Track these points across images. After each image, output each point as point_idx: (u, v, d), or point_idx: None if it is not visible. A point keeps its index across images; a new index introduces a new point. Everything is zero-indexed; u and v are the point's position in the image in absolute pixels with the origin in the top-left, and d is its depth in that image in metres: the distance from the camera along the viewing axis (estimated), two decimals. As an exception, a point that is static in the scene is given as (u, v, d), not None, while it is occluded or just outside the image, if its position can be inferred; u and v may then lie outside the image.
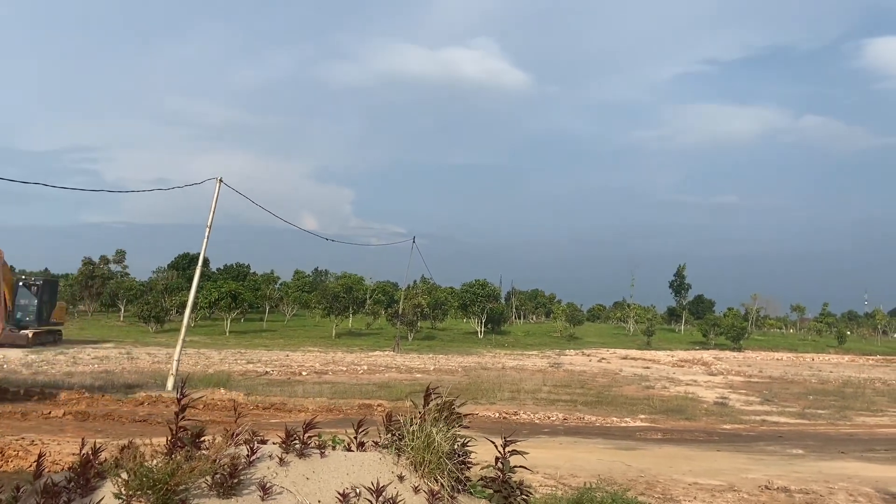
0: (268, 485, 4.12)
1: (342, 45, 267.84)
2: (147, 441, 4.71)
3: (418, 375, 26.41)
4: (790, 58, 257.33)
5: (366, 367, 28.79)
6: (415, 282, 79.97)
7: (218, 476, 4.00)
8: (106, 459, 4.17)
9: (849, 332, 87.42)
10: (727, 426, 17.07)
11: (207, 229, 20.40)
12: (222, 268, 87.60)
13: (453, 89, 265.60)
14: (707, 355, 50.62)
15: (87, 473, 4.04)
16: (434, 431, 4.84)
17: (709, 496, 8.83)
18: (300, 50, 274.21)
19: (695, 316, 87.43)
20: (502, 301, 79.60)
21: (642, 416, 17.90)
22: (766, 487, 9.49)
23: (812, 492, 9.31)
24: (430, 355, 38.50)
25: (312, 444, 4.86)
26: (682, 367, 38.78)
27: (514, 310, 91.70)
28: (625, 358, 43.68)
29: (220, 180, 20.47)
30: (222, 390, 18.07)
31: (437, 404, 5.15)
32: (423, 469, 4.83)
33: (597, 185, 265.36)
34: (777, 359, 52.87)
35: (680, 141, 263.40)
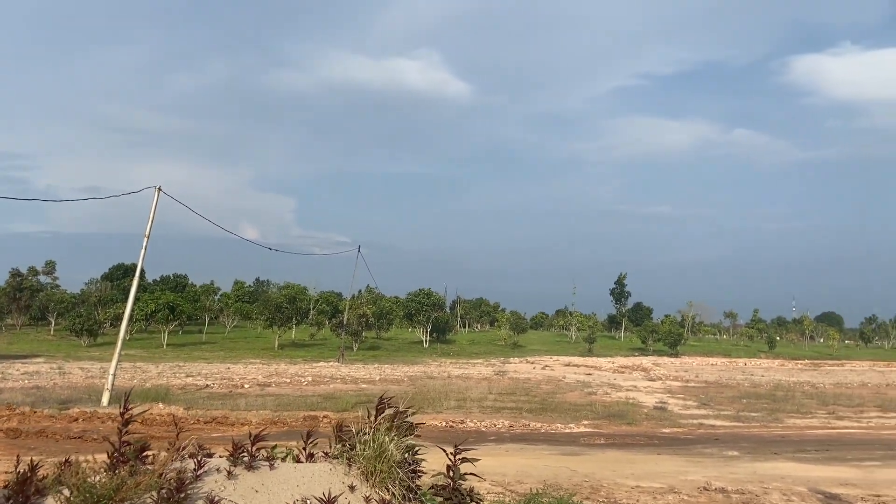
0: (216, 498, 4.04)
1: (284, 52, 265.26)
2: (87, 457, 4.56)
3: (364, 386, 26.22)
4: (721, 73, 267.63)
5: (310, 379, 28.42)
6: (359, 291, 79.39)
7: (164, 491, 3.91)
8: (45, 476, 4.03)
9: (778, 338, 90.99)
10: (667, 430, 17.51)
11: (145, 239, 19.84)
12: (159, 279, 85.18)
13: (397, 99, 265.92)
14: (646, 361, 51.86)
15: (26, 491, 3.89)
16: (387, 440, 4.85)
17: (651, 498, 9.05)
18: (241, 57, 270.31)
19: (634, 323, 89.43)
20: (447, 310, 79.79)
21: (586, 422, 18.20)
22: (705, 489, 9.78)
23: (748, 492, 9.64)
24: (376, 365, 38.27)
25: (261, 457, 4.80)
26: (623, 373, 39.60)
27: (459, 319, 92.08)
28: (568, 365, 44.34)
29: (159, 189, 19.97)
30: (161, 405, 17.56)
31: (390, 414, 5.16)
32: (375, 479, 4.83)
33: (539, 195, 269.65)
34: (712, 364, 54.51)
35: (618, 153, 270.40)
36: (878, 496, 9.51)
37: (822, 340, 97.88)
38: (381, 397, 5.34)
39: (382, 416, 5.19)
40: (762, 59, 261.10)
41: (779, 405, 23.69)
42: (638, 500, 8.90)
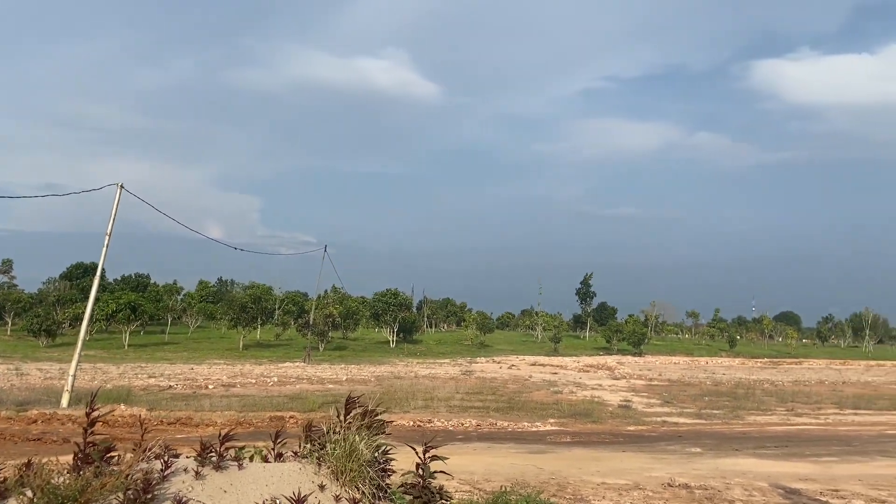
0: (184, 499, 3.99)
1: (250, 50, 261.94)
2: (49, 459, 4.46)
3: (330, 386, 26.06)
4: (684, 77, 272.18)
5: (276, 379, 28.15)
6: (326, 291, 78.88)
7: (131, 492, 3.85)
8: (6, 479, 3.93)
9: (739, 337, 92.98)
10: (631, 428, 17.75)
11: (107, 237, 19.44)
12: (120, 278, 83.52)
13: (364, 98, 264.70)
14: (611, 360, 52.50)
15: (-14, 494, 3.80)
16: (357, 439, 4.84)
17: (616, 495, 9.17)
18: (206, 54, 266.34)
19: (599, 323, 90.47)
20: (414, 310, 79.73)
21: (552, 421, 18.35)
22: (669, 485, 9.94)
23: (710, 487, 9.83)
24: (342, 365, 38.06)
25: (229, 457, 4.75)
26: (588, 372, 40.03)
27: (425, 319, 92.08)
28: (534, 364, 44.65)
29: (121, 186, 19.59)
30: (123, 406, 17.23)
31: (360, 413, 5.16)
32: (345, 478, 4.82)
33: (506, 196, 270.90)
34: (675, 362, 55.41)
35: (584, 154, 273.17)
36: (836, 490, 9.78)
37: (780, 339, 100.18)
38: (349, 396, 5.32)
39: (352, 415, 5.18)
40: (724, 64, 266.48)
41: (740, 403, 24.19)
42: (604, 497, 9.01)
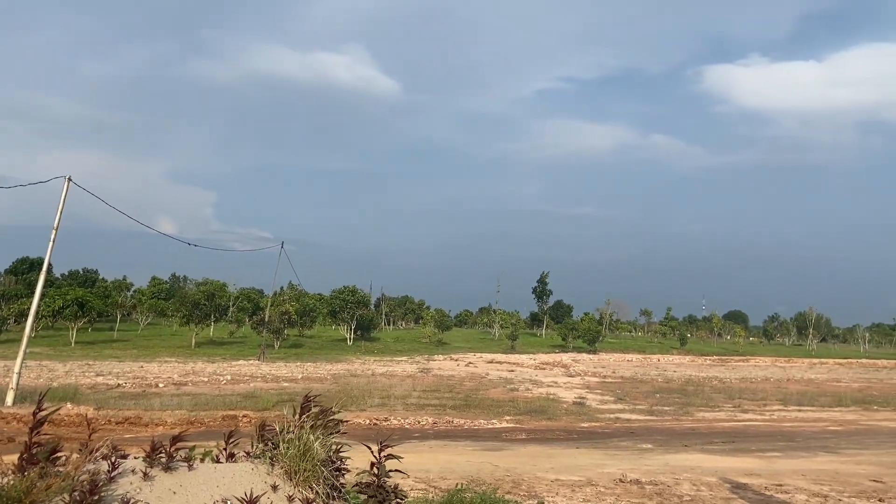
0: (131, 500, 3.91)
1: (207, 42, 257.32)
2: (-9, 461, 4.31)
3: (286, 384, 25.78)
4: (640, 79, 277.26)
5: (229, 377, 27.72)
6: (282, 288, 78.02)
7: (77, 493, 3.75)
8: (-56, 482, 3.78)
9: (689, 335, 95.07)
10: (585, 424, 18.00)
11: (53, 231, 18.85)
12: (67, 273, 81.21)
13: (324, 94, 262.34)
14: (566, 358, 53.15)
15: (-78, 498, 3.65)
16: (312, 439, 4.80)
17: (570, 491, 9.29)
18: (161, 45, 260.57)
19: (555, 321, 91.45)
20: (372, 308, 79.35)
21: (508, 418, 18.49)
22: (621, 480, 10.12)
23: (660, 483, 10.03)
24: (298, 363, 37.68)
25: (179, 457, 4.66)
26: (544, 369, 40.44)
27: (383, 316, 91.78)
28: (491, 362, 44.91)
29: (69, 179, 19.03)
30: (69, 405, 16.74)
31: (315, 412, 5.11)
32: (298, 478, 4.77)
33: (465, 194, 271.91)
34: (628, 360, 56.39)
35: (543, 154, 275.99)
36: (780, 485, 10.08)
37: (729, 338, 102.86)
38: (306, 395, 5.28)
39: (308, 414, 5.14)
40: (678, 68, 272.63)
41: (689, 399, 24.74)
42: (557, 493, 9.12)
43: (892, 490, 9.79)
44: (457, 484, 8.83)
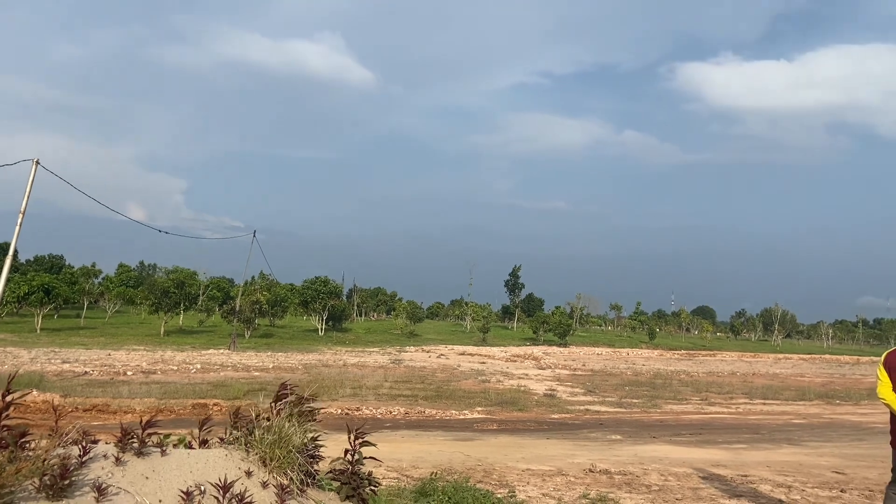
0: (103, 485, 3.88)
1: (178, 27, 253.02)
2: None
3: (256, 374, 25.60)
4: (614, 76, 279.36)
5: (199, 366, 27.44)
6: (253, 278, 77.36)
7: (47, 477, 3.71)
8: None
9: (658, 329, 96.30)
10: (555, 416, 18.17)
11: (20, 216, 18.43)
12: (33, 259, 79.60)
13: (298, 82, 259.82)
14: (537, 350, 53.54)
15: None
16: (287, 426, 4.80)
17: (540, 480, 9.39)
18: (130, 29, 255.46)
19: (526, 314, 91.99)
20: (344, 298, 79.07)
21: (479, 409, 18.59)
22: (590, 470, 10.24)
23: (629, 473, 10.18)
24: (269, 353, 37.43)
25: (152, 443, 4.63)
26: (515, 361, 40.71)
27: (355, 307, 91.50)
28: (462, 354, 45.08)
29: (37, 162, 18.61)
30: (35, 392, 16.43)
31: (291, 400, 5.11)
32: (273, 464, 4.77)
33: (439, 186, 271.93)
34: (598, 353, 56.99)
35: (517, 148, 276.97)
36: (746, 476, 10.29)
37: (696, 332, 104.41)
38: (283, 383, 5.27)
39: (283, 402, 5.13)
40: (652, 65, 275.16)
41: (658, 392, 25.10)
42: (528, 483, 9.20)
43: (853, 481, 10.05)
44: (429, 473, 8.87)
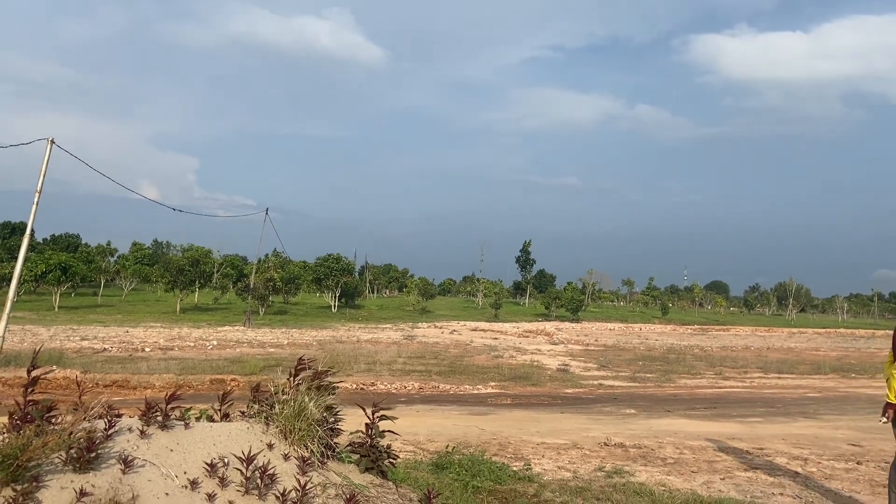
0: (129, 458, 3.94)
1: (187, 3, 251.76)
2: (-15, 419, 4.32)
3: (272, 350, 25.85)
4: (627, 49, 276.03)
5: (215, 343, 27.73)
6: (266, 255, 77.79)
7: (73, 451, 3.78)
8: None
9: (671, 305, 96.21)
10: (569, 390, 18.25)
11: (36, 195, 18.58)
12: (49, 238, 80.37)
13: (308, 59, 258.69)
14: (549, 326, 53.65)
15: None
16: (307, 400, 4.85)
17: (555, 454, 9.46)
18: (140, 6, 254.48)
19: (538, 290, 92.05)
20: (356, 275, 79.40)
21: (493, 384, 18.70)
22: (605, 444, 10.30)
23: (644, 446, 10.23)
24: (283, 330, 37.74)
25: (174, 417, 4.70)
26: (528, 337, 40.83)
27: (368, 284, 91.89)
28: (475, 330, 45.24)
29: (52, 141, 18.71)
30: (55, 368, 16.71)
31: (309, 374, 5.16)
32: (293, 437, 4.83)
33: (450, 163, 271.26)
34: (610, 329, 57.01)
35: (528, 123, 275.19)
36: (762, 449, 10.32)
37: (710, 307, 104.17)
38: (300, 358, 5.32)
39: (301, 376, 5.18)
40: (665, 37, 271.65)
41: (671, 367, 25.13)
42: (543, 456, 9.28)
43: (868, 453, 10.06)
44: (446, 446, 8.97)
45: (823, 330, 69.85)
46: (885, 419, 6.50)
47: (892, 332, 6.61)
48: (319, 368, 5.30)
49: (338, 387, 5.57)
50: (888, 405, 6.41)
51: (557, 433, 11.18)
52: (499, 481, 7.46)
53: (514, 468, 8.20)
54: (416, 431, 10.48)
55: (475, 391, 17.46)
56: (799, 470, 8.92)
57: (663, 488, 7.61)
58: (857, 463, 9.45)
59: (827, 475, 8.69)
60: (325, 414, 5.05)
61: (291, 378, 5.17)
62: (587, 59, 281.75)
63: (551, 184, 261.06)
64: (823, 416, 14.42)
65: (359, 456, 5.35)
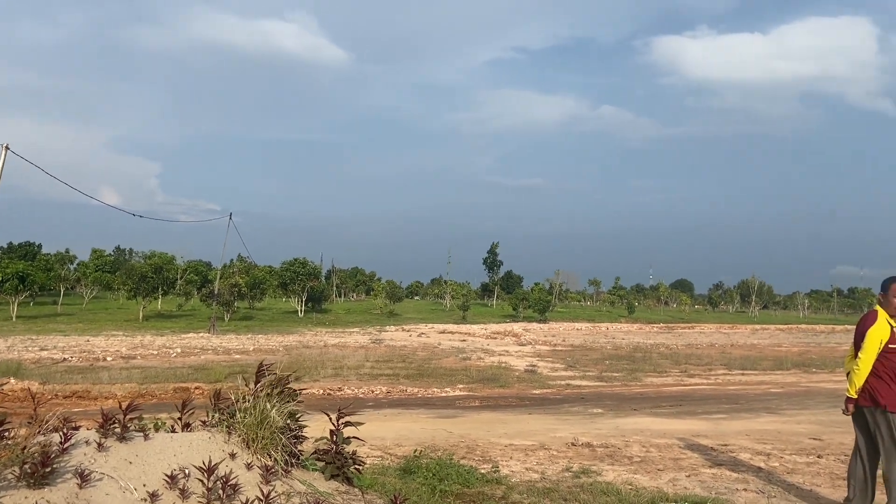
0: (86, 471, 3.84)
1: (148, 7, 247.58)
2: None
3: (237, 356, 25.50)
4: (591, 50, 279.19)
5: (179, 350, 27.25)
6: (231, 261, 76.77)
7: (27, 466, 3.66)
8: None
9: (637, 304, 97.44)
10: (537, 391, 18.34)
11: (-10, 201, 18.07)
12: (6, 247, 78.26)
13: (271, 63, 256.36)
14: (517, 327, 53.88)
15: None
16: (269, 407, 4.78)
17: (523, 455, 9.48)
18: (101, 9, 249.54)
19: (506, 291, 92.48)
20: (323, 279, 78.79)
21: (461, 386, 18.71)
22: (573, 444, 10.36)
23: (611, 445, 10.32)
24: (249, 335, 37.28)
25: (134, 428, 4.59)
26: (495, 338, 40.95)
27: (335, 288, 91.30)
28: (443, 332, 45.22)
29: (7, 147, 18.21)
30: (13, 380, 16.25)
31: (271, 380, 5.09)
32: (256, 445, 4.76)
33: (416, 165, 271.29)
34: (578, 328, 57.50)
35: (494, 125, 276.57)
36: (726, 445, 10.48)
37: (675, 305, 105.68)
38: (261, 364, 5.24)
39: (262, 382, 5.11)
40: (627, 38, 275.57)
41: (637, 365, 25.42)
42: (511, 458, 9.29)
43: (829, 447, 10.28)
44: (413, 450, 8.93)
45: (785, 326, 71.36)
46: (846, 412, 6.67)
47: (852, 328, 6.76)
48: (281, 374, 5.23)
49: (299, 393, 5.50)
50: (849, 399, 6.57)
51: (525, 434, 11.22)
52: (467, 484, 7.45)
53: (483, 471, 8.20)
54: (383, 436, 10.42)
55: (443, 394, 17.44)
56: (762, 465, 9.08)
57: (630, 487, 7.68)
58: (818, 456, 9.66)
59: (789, 469, 8.86)
60: (288, 421, 4.99)
61: (253, 385, 5.10)
62: (551, 60, 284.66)
63: (518, 185, 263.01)
64: (786, 412, 14.71)
65: (324, 463, 5.29)
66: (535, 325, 58.36)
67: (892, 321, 6.48)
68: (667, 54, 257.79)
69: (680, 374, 23.16)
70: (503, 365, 24.62)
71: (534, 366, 24.65)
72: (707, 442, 10.69)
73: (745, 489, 7.77)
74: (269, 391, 5.00)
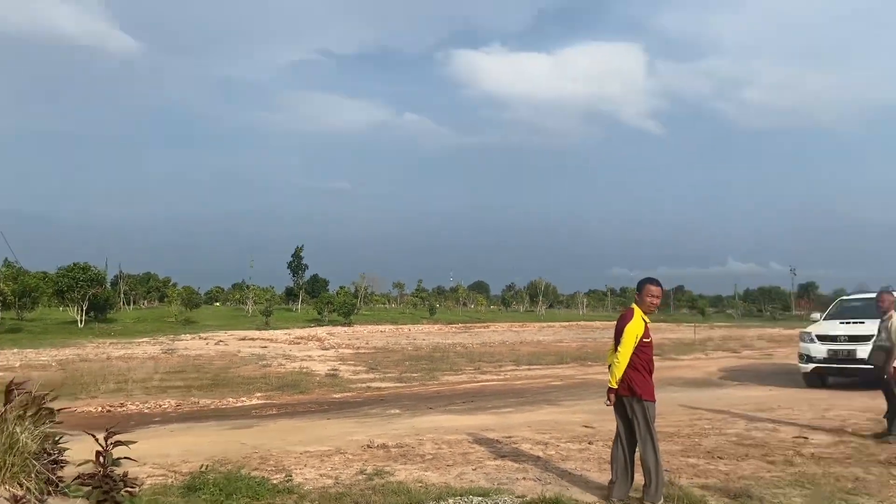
0: None
1: None
2: None
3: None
4: (396, 58, 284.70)
5: (-78, 370, 23.53)
6: (-7, 266, 67.84)
7: None
8: None
9: (438, 305, 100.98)
10: (337, 395, 18.29)
11: None
12: None
13: (44, 48, 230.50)
14: (321, 331, 53.36)
15: None
16: (19, 430, 4.31)
17: (318, 461, 9.42)
18: None
19: (311, 295, 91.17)
20: (108, 286, 72.27)
21: (258, 395, 18.13)
22: (369, 446, 10.48)
23: (405, 445, 10.57)
24: (15, 350, 33.14)
25: None
26: (299, 343, 40.21)
27: (122, 295, 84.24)
28: (243, 339, 43.53)
29: None
30: None
31: (22, 400, 4.59)
32: (5, 474, 4.27)
33: (215, 165, 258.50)
34: (381, 331, 58.20)
35: (299, 126, 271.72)
36: (510, 437, 11.18)
37: (472, 306, 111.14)
38: (10, 382, 4.71)
39: (13, 403, 4.59)
40: (430, 49, 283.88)
41: (436, 365, 26.29)
42: (306, 465, 9.18)
43: (599, 434, 11.35)
44: (201, 465, 8.51)
45: (567, 323, 77.80)
46: (608, 403, 7.43)
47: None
48: (38, 392, 4.74)
49: (68, 412, 5.03)
50: (610, 390, 7.33)
51: (322, 440, 11.15)
52: (256, 497, 7.26)
53: (274, 481, 8.03)
54: (168, 453, 9.81)
55: (239, 404, 16.79)
56: (540, 454, 9.82)
57: (420, 484, 7.93)
58: (589, 443, 10.64)
59: (563, 456, 9.67)
60: (45, 445, 4.53)
61: (2, 406, 4.57)
62: (357, 66, 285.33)
63: (324, 188, 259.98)
64: (563, 402, 16.02)
65: (90, 488, 4.88)
66: (339, 329, 58.14)
67: (646, 318, 7.35)
68: (464, 68, 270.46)
69: (474, 372, 24.30)
70: (304, 370, 24.25)
71: (335, 370, 24.54)
72: (494, 435, 11.35)
73: (524, 478, 8.35)
74: (20, 412, 4.50)
